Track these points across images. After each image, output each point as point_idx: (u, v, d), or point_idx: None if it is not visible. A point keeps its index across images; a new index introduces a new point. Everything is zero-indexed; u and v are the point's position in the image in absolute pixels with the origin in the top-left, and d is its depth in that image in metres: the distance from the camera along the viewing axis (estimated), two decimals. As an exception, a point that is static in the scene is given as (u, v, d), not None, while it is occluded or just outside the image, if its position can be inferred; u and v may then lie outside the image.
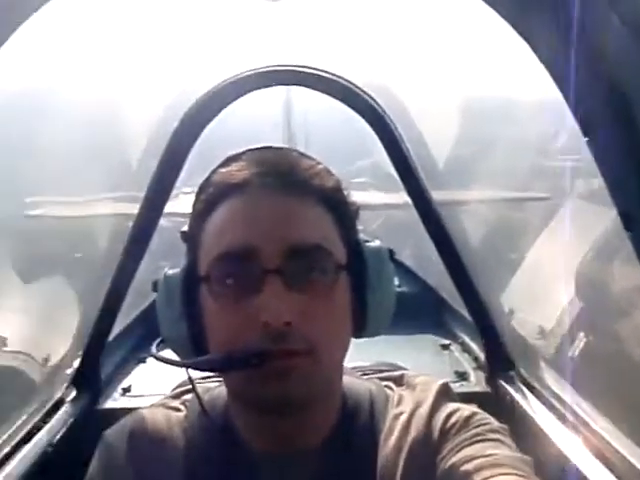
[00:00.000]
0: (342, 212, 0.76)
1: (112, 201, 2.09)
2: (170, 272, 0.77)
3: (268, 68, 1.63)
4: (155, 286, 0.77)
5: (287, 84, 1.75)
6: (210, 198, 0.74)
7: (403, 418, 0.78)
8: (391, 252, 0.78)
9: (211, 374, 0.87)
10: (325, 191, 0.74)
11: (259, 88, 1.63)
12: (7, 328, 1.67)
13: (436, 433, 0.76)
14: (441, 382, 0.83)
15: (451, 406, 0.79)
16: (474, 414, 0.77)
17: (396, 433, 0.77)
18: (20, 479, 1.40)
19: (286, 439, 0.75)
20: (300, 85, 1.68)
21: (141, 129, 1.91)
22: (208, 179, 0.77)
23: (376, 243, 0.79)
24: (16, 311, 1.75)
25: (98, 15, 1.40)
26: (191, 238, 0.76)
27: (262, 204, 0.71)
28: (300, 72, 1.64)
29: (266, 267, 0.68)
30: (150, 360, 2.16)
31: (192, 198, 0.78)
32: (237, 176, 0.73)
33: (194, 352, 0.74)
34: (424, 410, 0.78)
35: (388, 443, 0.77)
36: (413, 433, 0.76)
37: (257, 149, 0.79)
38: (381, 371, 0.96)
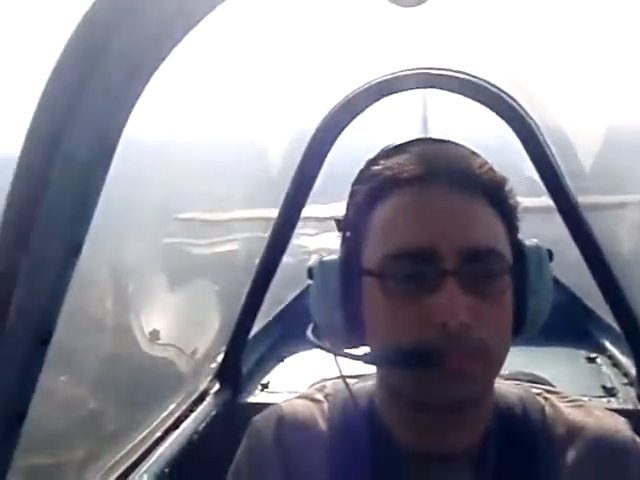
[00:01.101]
0: (508, 211, 0.73)
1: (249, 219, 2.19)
2: (326, 259, 0.77)
3: (405, 72, 1.63)
4: (310, 272, 0.78)
5: (427, 87, 1.73)
6: (375, 190, 0.73)
7: (598, 453, 0.75)
8: (550, 253, 0.75)
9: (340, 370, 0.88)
10: (494, 189, 0.72)
11: (394, 92, 1.64)
12: (160, 323, 1.81)
13: None
14: (627, 424, 0.79)
15: None
16: None
17: (592, 471, 0.75)
18: (169, 461, 1.52)
19: (440, 438, 0.74)
20: (439, 88, 1.66)
21: (277, 152, 1.98)
22: (368, 169, 0.75)
23: (535, 242, 0.76)
24: (167, 307, 1.89)
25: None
26: (352, 228, 0.75)
27: (438, 202, 0.69)
28: (439, 75, 1.63)
29: (445, 268, 0.67)
30: (288, 359, 2.24)
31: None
32: (407, 169, 0.71)
33: (349, 341, 0.75)
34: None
35: (580, 472, 0.75)
36: None
37: (420, 140, 0.77)
38: (520, 380, 0.93)
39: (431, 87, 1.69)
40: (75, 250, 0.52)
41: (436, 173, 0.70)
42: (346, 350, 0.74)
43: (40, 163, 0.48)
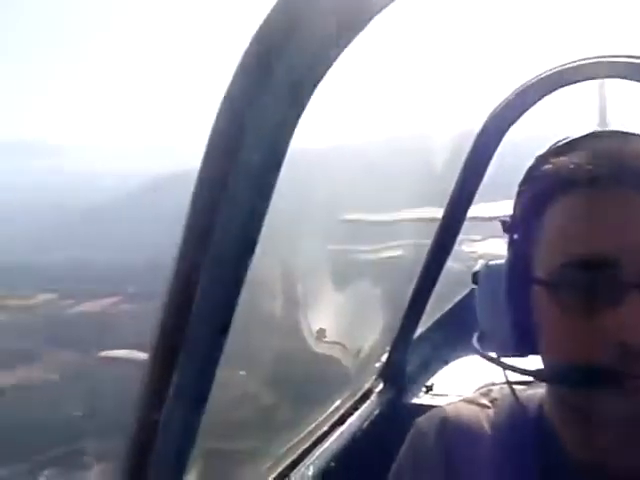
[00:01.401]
0: None
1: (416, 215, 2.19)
2: (492, 264, 0.74)
3: (580, 61, 1.52)
4: (475, 277, 0.75)
5: (605, 77, 1.59)
6: (547, 191, 0.68)
7: None
8: None
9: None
10: None
11: (568, 84, 1.54)
12: (326, 322, 1.87)
13: None
14: None
15: None
16: None
17: None
18: (335, 456, 1.56)
19: (615, 454, 0.69)
20: (619, 77, 1.53)
21: (443, 149, 1.96)
22: (539, 168, 0.70)
23: None
24: (333, 307, 1.94)
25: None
26: (520, 231, 0.71)
27: (618, 206, 0.63)
28: (619, 62, 1.49)
29: (628, 280, 0.61)
30: (453, 362, 2.20)
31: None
32: (582, 169, 0.65)
33: (516, 349, 0.72)
34: None
35: None
36: None
37: (595, 134, 0.70)
38: None
39: (609, 77, 1.56)
40: (249, 249, 0.56)
41: (615, 173, 0.64)
42: (517, 365, 0.71)
43: (219, 171, 0.52)
